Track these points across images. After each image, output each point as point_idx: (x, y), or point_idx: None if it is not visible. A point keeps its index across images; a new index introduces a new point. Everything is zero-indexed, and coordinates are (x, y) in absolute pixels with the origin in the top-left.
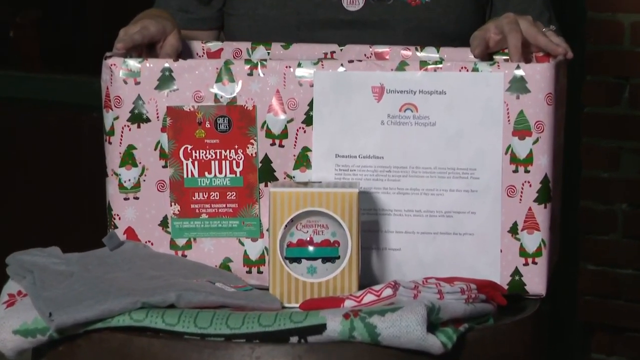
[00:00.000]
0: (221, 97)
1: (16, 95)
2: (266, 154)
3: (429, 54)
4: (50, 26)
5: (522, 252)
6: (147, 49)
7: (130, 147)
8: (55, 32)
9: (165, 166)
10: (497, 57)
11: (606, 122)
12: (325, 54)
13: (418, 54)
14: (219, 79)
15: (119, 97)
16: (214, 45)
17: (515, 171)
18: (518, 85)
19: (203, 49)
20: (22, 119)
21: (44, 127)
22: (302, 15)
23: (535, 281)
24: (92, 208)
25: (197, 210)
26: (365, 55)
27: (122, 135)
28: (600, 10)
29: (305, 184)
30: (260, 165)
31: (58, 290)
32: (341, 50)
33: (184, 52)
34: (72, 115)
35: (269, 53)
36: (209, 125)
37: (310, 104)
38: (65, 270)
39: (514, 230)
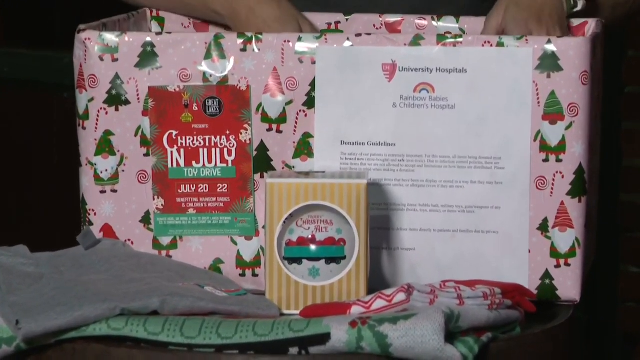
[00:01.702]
0: (210, 76)
1: None
2: (262, 141)
3: (447, 24)
4: None
5: (554, 253)
6: None
7: (107, 133)
8: (20, 0)
9: (147, 154)
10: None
11: None
12: (329, 24)
13: (435, 24)
14: (208, 55)
15: (94, 75)
16: None
17: (546, 160)
18: (549, 63)
19: (189, 20)
20: None
21: (6, 109)
22: None
23: (568, 285)
24: (64, 201)
25: (183, 205)
26: (374, 26)
27: (97, 120)
28: None
29: (307, 174)
30: (255, 153)
31: (26, 294)
32: (347, 20)
33: (167, 22)
34: (40, 96)
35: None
36: (196, 108)
37: (312, 84)
38: (34, 272)
39: (544, 227)
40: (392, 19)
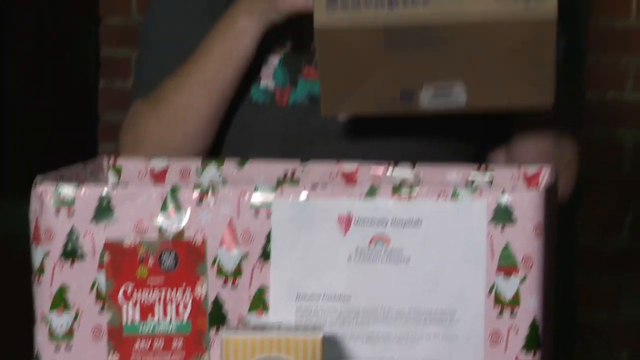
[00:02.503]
0: (166, 230)
1: None
2: (217, 295)
3: (402, 172)
4: None
5: None
6: None
7: (63, 288)
8: None
9: (102, 309)
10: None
11: (604, 256)
12: (286, 173)
13: (389, 173)
14: (164, 208)
15: (50, 229)
16: (158, 164)
17: (500, 314)
18: (503, 215)
19: (146, 169)
20: None
21: None
22: (291, 126)
23: None
24: (21, 356)
25: None
26: (330, 174)
27: (53, 274)
28: (599, 129)
29: (262, 329)
30: (210, 308)
31: None
32: (302, 170)
33: (125, 173)
34: None
35: (220, 174)
36: (152, 262)
37: (268, 237)
38: None
39: None
40: (348, 168)
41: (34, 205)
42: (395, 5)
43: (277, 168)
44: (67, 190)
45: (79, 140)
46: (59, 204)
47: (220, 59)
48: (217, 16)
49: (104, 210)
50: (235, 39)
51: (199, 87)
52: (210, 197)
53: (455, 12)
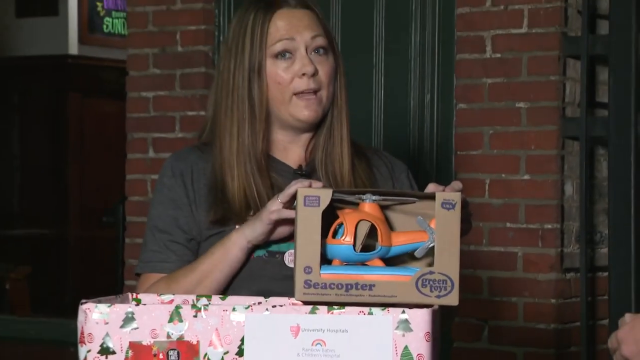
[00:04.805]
0: (172, 334)
1: (7, 335)
2: None
3: None
4: (39, 279)
5: None
6: None
7: None
8: (42, 283)
9: None
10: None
11: (471, 355)
12: (254, 303)
13: None
14: (170, 320)
15: (91, 334)
16: (166, 297)
17: None
18: (404, 326)
19: (158, 300)
20: (9, 355)
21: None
22: (254, 270)
23: None
24: None
25: None
26: (285, 304)
27: None
28: (465, 267)
29: None
30: None
31: None
32: (266, 300)
33: (143, 301)
34: (54, 351)
35: (210, 302)
36: (162, 357)
37: (242, 340)
38: None
39: None
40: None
41: (80, 317)
42: (350, 289)
43: (248, 300)
44: (104, 307)
45: (110, 280)
46: (98, 317)
47: (216, 259)
48: (194, 206)
49: (129, 320)
50: (227, 248)
51: (202, 274)
52: (202, 313)
53: (390, 298)
